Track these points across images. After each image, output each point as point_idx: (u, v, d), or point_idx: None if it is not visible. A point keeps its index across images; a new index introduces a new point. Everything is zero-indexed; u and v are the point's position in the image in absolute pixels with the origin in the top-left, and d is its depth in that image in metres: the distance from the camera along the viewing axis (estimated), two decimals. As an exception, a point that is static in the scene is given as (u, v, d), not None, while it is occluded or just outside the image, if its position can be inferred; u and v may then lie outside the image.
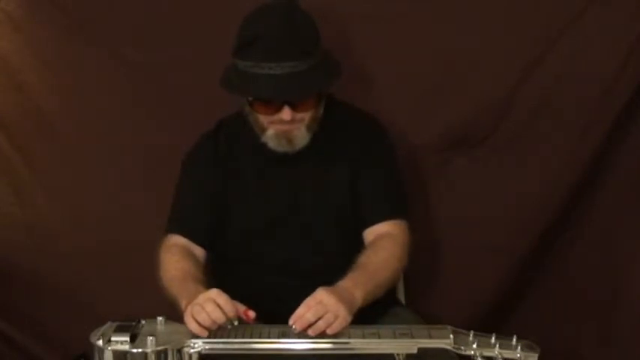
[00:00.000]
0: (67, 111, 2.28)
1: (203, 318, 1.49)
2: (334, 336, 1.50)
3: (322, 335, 1.50)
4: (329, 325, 1.50)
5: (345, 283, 1.62)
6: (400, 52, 2.20)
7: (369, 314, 1.66)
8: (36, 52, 2.23)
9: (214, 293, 1.52)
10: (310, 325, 1.51)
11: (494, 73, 2.20)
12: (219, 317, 1.49)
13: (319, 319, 1.51)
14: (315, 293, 1.54)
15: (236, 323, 1.52)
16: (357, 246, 1.84)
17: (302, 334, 1.51)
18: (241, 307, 1.54)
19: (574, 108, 2.19)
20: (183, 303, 1.59)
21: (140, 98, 2.25)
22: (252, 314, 1.54)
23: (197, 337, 1.50)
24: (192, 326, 1.50)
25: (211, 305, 1.49)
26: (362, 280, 1.65)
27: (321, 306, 1.51)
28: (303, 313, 1.51)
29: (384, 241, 1.79)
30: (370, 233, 1.84)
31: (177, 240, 1.83)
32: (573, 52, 2.16)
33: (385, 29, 2.18)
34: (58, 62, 2.24)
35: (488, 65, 2.19)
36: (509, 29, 2.17)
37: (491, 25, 2.17)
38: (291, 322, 1.51)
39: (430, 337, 1.50)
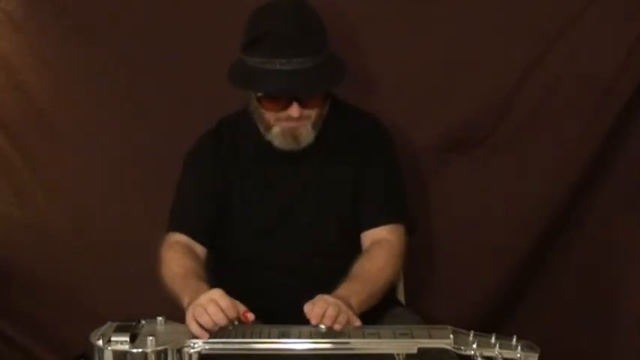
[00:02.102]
0: (67, 111, 2.28)
1: (205, 320, 1.48)
2: (334, 336, 1.50)
3: (323, 335, 1.50)
4: (347, 319, 1.50)
5: (341, 292, 1.62)
6: (400, 52, 2.20)
7: (369, 314, 1.66)
8: (36, 52, 2.23)
9: (217, 294, 1.51)
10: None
11: (494, 73, 2.20)
12: (222, 319, 1.48)
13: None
14: (317, 298, 1.53)
15: (236, 323, 1.52)
16: (358, 246, 1.84)
17: (304, 333, 1.50)
18: (241, 308, 1.53)
19: (574, 108, 2.19)
20: (185, 300, 1.59)
21: (140, 98, 2.25)
22: (251, 317, 1.53)
23: (197, 337, 1.50)
24: (194, 328, 1.49)
25: (214, 307, 1.49)
26: (357, 290, 1.65)
27: (332, 303, 1.50)
28: (322, 312, 1.49)
29: (380, 249, 1.80)
30: (367, 237, 1.84)
31: (178, 238, 1.83)
32: (573, 52, 2.16)
33: (385, 29, 2.18)
34: (58, 62, 2.24)
35: (488, 65, 2.19)
36: (509, 29, 2.17)
37: (491, 25, 2.17)
38: (314, 322, 1.48)
39: (430, 337, 1.50)
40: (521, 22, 2.16)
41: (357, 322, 1.53)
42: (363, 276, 1.71)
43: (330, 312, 1.48)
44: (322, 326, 1.48)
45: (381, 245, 1.81)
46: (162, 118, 2.25)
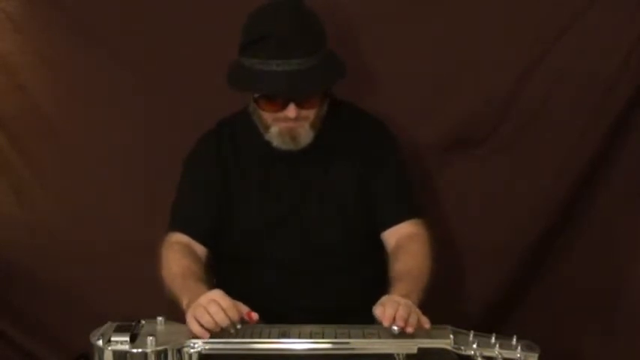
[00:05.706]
0: (67, 111, 2.28)
1: (206, 320, 1.48)
2: (334, 336, 1.50)
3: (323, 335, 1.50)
4: (418, 320, 1.50)
5: (400, 292, 1.60)
6: (400, 51, 2.20)
7: (370, 314, 1.66)
8: (36, 52, 2.23)
9: (217, 295, 1.51)
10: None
11: (494, 73, 2.20)
12: (223, 320, 1.48)
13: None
14: (386, 298, 1.54)
15: (239, 327, 1.51)
16: (361, 247, 1.84)
17: (304, 333, 1.50)
18: (244, 309, 1.52)
19: (574, 108, 2.19)
20: (184, 302, 1.59)
21: (140, 98, 2.25)
22: (255, 316, 1.52)
23: (197, 337, 1.49)
24: (195, 328, 1.49)
25: (215, 307, 1.49)
26: (412, 288, 1.64)
27: (403, 303, 1.51)
28: (394, 312, 1.48)
29: (415, 243, 1.80)
30: (391, 235, 1.84)
31: (179, 238, 1.83)
32: (573, 52, 2.16)
33: (385, 29, 2.18)
34: (58, 62, 2.24)
35: (488, 65, 2.19)
36: (510, 29, 2.17)
37: (492, 25, 2.17)
38: (386, 324, 1.48)
39: (430, 337, 1.50)
40: (521, 21, 2.16)
41: (427, 323, 1.52)
42: (412, 273, 1.71)
43: (401, 312, 1.48)
44: (395, 328, 1.47)
45: (413, 239, 1.81)
46: (162, 118, 2.25)
